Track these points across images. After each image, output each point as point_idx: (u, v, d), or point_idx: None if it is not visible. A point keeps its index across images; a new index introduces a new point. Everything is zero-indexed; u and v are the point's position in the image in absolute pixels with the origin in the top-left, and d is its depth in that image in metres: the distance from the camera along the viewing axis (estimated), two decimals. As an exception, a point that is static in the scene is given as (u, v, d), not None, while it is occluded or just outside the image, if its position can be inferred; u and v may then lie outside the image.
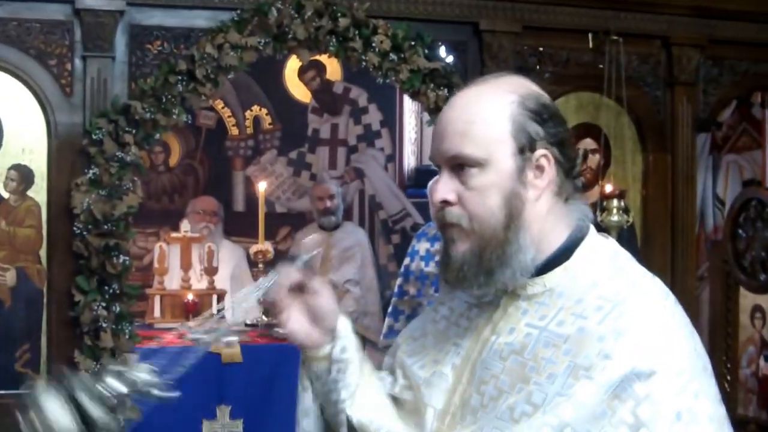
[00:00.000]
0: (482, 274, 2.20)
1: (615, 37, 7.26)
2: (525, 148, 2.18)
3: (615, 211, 7.09)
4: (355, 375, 2.39)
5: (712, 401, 2.06)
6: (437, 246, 8.19)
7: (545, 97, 2.26)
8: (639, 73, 7.51)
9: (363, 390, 2.39)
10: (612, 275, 2.21)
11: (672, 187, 7.60)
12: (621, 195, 7.16)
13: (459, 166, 2.20)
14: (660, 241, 7.59)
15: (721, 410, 2.07)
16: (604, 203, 7.14)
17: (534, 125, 2.19)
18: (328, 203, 9.25)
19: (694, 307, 7.57)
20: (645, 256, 7.51)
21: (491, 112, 2.20)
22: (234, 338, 7.23)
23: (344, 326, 2.44)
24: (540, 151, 2.19)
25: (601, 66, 7.28)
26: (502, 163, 2.18)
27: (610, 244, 2.33)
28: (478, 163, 2.18)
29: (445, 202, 2.22)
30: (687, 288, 7.53)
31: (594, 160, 7.45)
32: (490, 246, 2.19)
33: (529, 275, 2.21)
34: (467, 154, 2.18)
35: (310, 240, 9.24)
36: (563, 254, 2.24)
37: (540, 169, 2.20)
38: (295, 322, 2.45)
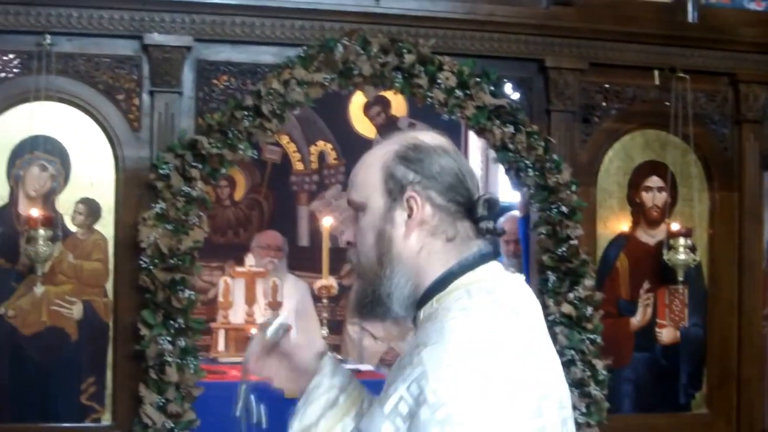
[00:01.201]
0: (378, 306, 2.45)
1: (681, 74, 7.21)
2: (394, 191, 2.40)
3: (681, 249, 7.05)
4: (317, 411, 2.69)
5: None
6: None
7: (429, 147, 2.44)
8: (705, 111, 7.44)
9: (324, 423, 2.66)
10: (444, 311, 2.30)
11: (739, 226, 7.50)
12: (687, 233, 7.11)
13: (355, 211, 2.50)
14: (727, 280, 7.49)
15: None
16: (671, 242, 7.09)
17: (403, 170, 2.40)
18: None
19: (760, 346, 7.46)
20: (712, 295, 7.44)
21: (370, 162, 2.48)
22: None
23: (327, 366, 2.76)
24: (408, 194, 2.39)
25: (667, 103, 7.22)
26: (375, 206, 2.43)
27: (491, 281, 2.38)
28: (361, 207, 2.47)
29: (349, 243, 2.55)
30: (754, 326, 7.46)
31: (660, 198, 7.38)
32: (370, 281, 2.44)
33: (412, 306, 2.43)
34: (352, 199, 2.50)
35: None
36: (437, 287, 2.38)
37: (410, 210, 2.38)
38: (281, 379, 2.92)
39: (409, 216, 2.39)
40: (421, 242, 2.39)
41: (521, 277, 2.49)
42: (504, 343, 2.21)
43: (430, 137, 2.49)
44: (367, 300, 2.46)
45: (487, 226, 2.41)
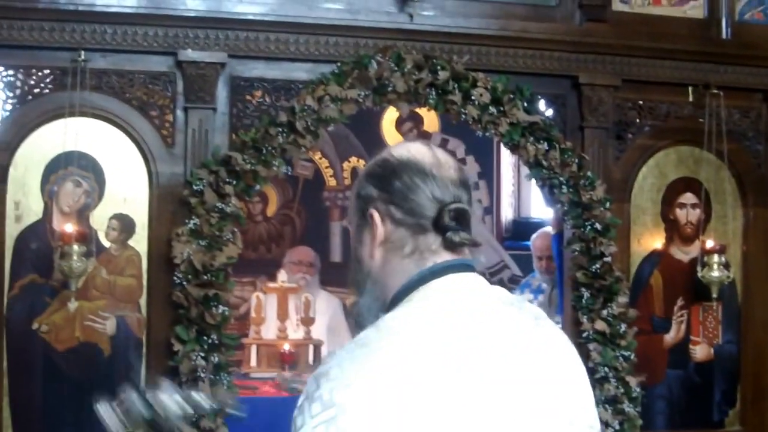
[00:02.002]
0: (364, 323, 2.36)
1: (715, 91, 7.18)
2: (363, 210, 2.42)
3: (716, 266, 7.02)
4: None
5: None
6: (541, 298, 8.17)
7: (394, 162, 2.41)
8: (739, 127, 7.41)
9: None
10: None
11: (773, 242, 7.48)
12: (721, 250, 7.08)
13: None
14: (760, 297, 7.46)
15: None
16: (705, 259, 7.06)
17: (369, 188, 2.42)
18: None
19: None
20: (746, 312, 7.41)
21: (355, 183, 2.53)
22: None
23: None
24: (370, 211, 2.40)
25: (701, 120, 7.20)
26: (353, 226, 2.49)
27: (439, 293, 2.32)
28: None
29: None
30: (787, 344, 7.43)
31: (694, 215, 7.36)
32: (356, 294, 2.49)
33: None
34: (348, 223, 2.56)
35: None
36: (393, 304, 2.33)
37: (373, 227, 2.40)
38: None
39: (372, 233, 2.40)
40: (383, 259, 2.40)
41: (495, 291, 2.40)
42: (405, 355, 2.14)
43: (405, 150, 2.45)
44: (357, 317, 2.47)
45: (453, 237, 2.35)
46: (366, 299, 2.45)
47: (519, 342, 2.28)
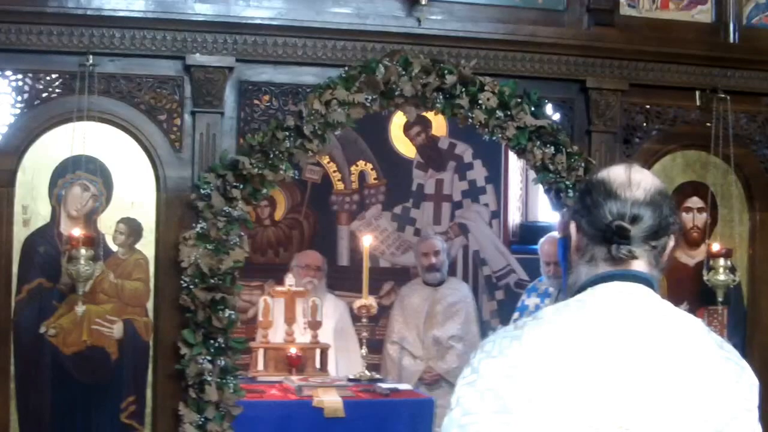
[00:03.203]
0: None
1: (722, 95, 7.18)
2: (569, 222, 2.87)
3: (722, 270, 7.02)
4: None
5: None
6: (547, 302, 8.15)
7: (593, 182, 2.82)
8: (747, 131, 7.42)
9: None
10: None
11: (779, 247, 7.48)
12: (728, 254, 7.07)
13: None
14: (767, 301, 7.47)
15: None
16: (711, 262, 7.05)
17: (575, 204, 2.86)
18: (434, 260, 9.25)
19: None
20: (751, 316, 7.41)
21: None
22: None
23: None
24: (571, 221, 2.84)
25: (708, 124, 7.20)
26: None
27: (589, 302, 2.70)
28: None
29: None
30: (793, 347, 7.43)
31: (701, 219, 7.37)
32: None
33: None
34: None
35: None
36: (576, 294, 2.77)
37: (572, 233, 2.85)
38: None
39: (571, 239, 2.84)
40: (576, 260, 2.82)
41: (651, 301, 2.73)
42: (526, 348, 2.59)
43: (605, 171, 2.83)
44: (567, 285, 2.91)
45: (614, 250, 2.70)
46: (567, 287, 2.86)
47: (647, 348, 2.60)
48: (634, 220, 2.69)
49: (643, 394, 2.52)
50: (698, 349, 2.64)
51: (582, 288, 2.74)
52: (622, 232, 2.67)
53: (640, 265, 2.73)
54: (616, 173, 2.77)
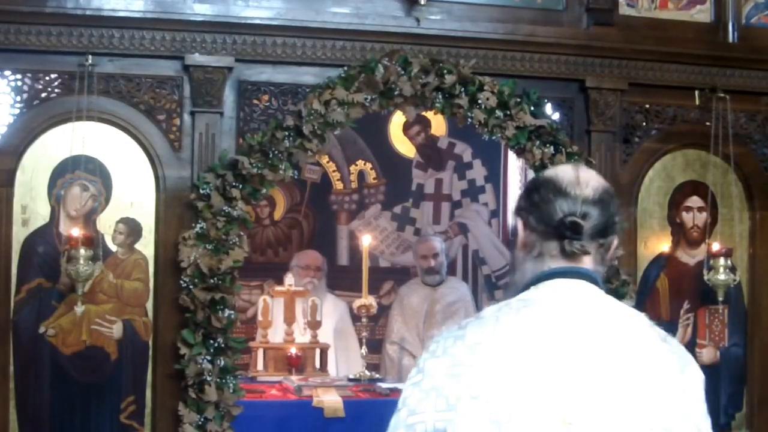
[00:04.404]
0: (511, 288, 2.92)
1: (722, 95, 7.19)
2: (516, 217, 2.91)
3: (722, 269, 7.01)
4: None
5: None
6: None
7: (540, 179, 2.86)
8: (746, 131, 7.43)
9: None
10: None
11: (780, 245, 7.49)
12: (728, 253, 7.08)
13: None
14: (767, 300, 7.48)
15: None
16: (711, 262, 7.06)
17: (521, 200, 2.87)
18: (432, 262, 9.25)
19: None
20: (752, 315, 7.42)
21: None
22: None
23: None
24: (517, 218, 2.89)
25: (707, 123, 7.21)
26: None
27: (535, 300, 2.73)
28: None
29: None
30: (793, 345, 7.44)
31: (701, 218, 7.37)
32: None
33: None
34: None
35: None
36: (521, 291, 2.80)
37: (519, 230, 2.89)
38: None
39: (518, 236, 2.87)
40: (522, 257, 2.84)
41: (596, 298, 2.75)
42: (468, 347, 2.62)
43: (553, 170, 2.88)
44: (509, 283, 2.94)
45: (567, 246, 2.74)
46: (510, 285, 2.90)
47: (591, 343, 2.63)
48: (584, 217, 2.73)
49: (587, 389, 2.55)
50: (641, 343, 2.67)
51: (527, 285, 2.77)
52: (575, 228, 2.71)
53: (588, 262, 2.78)
54: (564, 171, 2.82)
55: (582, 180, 2.77)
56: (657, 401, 2.59)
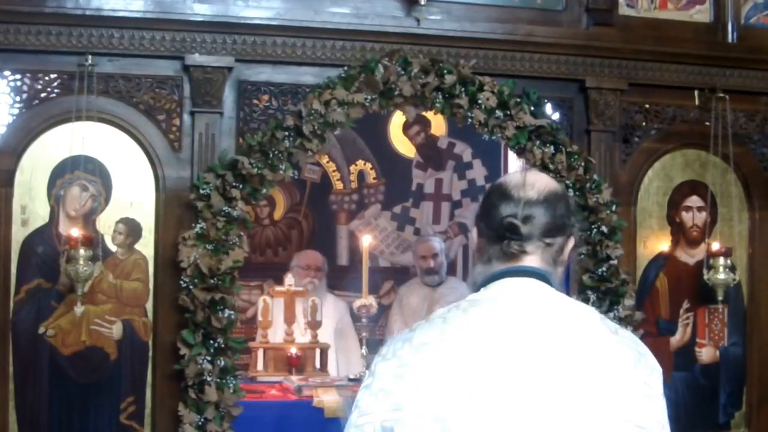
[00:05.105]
0: None
1: (721, 95, 7.21)
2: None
3: (721, 269, 7.03)
4: None
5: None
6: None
7: (493, 186, 2.90)
8: (745, 131, 7.44)
9: None
10: None
11: (779, 245, 7.51)
12: (727, 253, 7.09)
13: None
14: (766, 299, 7.51)
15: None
16: (711, 261, 7.07)
17: (478, 208, 2.91)
18: (432, 263, 9.24)
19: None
20: (751, 315, 7.44)
21: None
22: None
23: None
24: (474, 224, 2.94)
25: (707, 123, 7.23)
26: None
27: (481, 300, 2.77)
28: None
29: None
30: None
31: (700, 218, 7.38)
32: None
33: None
34: None
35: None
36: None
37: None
38: None
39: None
40: (475, 261, 2.89)
41: (541, 295, 2.75)
42: (426, 343, 2.67)
43: (504, 177, 2.94)
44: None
45: (505, 247, 2.77)
46: (469, 287, 2.91)
47: (540, 340, 2.63)
48: (527, 218, 2.77)
49: (540, 386, 2.56)
50: (591, 337, 2.66)
51: (478, 288, 2.81)
52: (512, 229, 2.75)
53: (532, 261, 2.80)
54: (512, 176, 2.89)
55: (528, 182, 2.81)
56: (610, 394, 2.58)
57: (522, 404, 2.54)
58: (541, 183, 2.82)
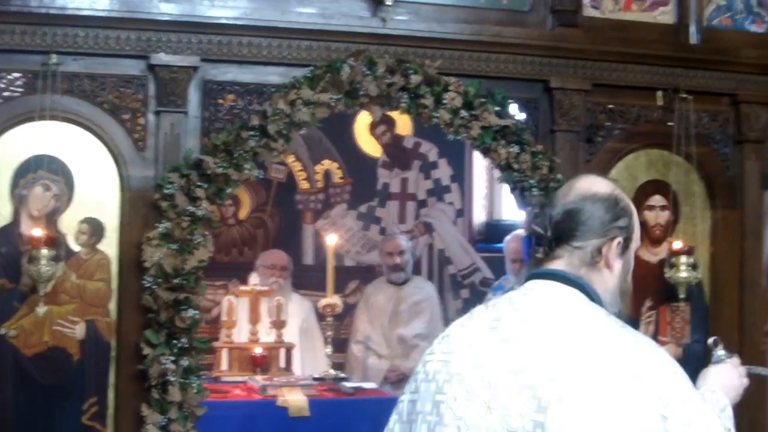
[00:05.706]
0: None
1: (684, 95, 7.25)
2: None
3: (683, 267, 7.07)
4: None
5: None
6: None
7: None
8: (708, 131, 7.48)
9: None
10: None
11: (740, 244, 7.56)
12: (689, 251, 7.13)
13: None
14: (728, 298, 7.53)
15: None
16: (673, 260, 7.11)
17: None
18: (398, 259, 9.25)
19: (761, 362, 7.45)
20: (713, 312, 7.48)
21: None
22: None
23: None
24: None
25: (670, 123, 7.27)
26: None
27: (508, 298, 2.93)
28: None
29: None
30: (755, 343, 7.47)
31: (663, 217, 7.42)
32: None
33: None
34: None
35: None
36: None
37: None
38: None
39: None
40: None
41: (548, 295, 2.88)
42: (448, 335, 2.94)
43: (570, 180, 3.05)
44: None
45: (534, 252, 2.96)
46: None
47: (548, 339, 2.73)
48: (556, 223, 2.90)
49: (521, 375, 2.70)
50: (599, 337, 2.75)
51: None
52: (538, 235, 2.92)
53: (558, 264, 2.91)
54: (570, 181, 3.04)
55: (574, 186, 2.96)
56: (627, 397, 2.66)
57: (493, 393, 2.70)
58: (583, 186, 2.94)
